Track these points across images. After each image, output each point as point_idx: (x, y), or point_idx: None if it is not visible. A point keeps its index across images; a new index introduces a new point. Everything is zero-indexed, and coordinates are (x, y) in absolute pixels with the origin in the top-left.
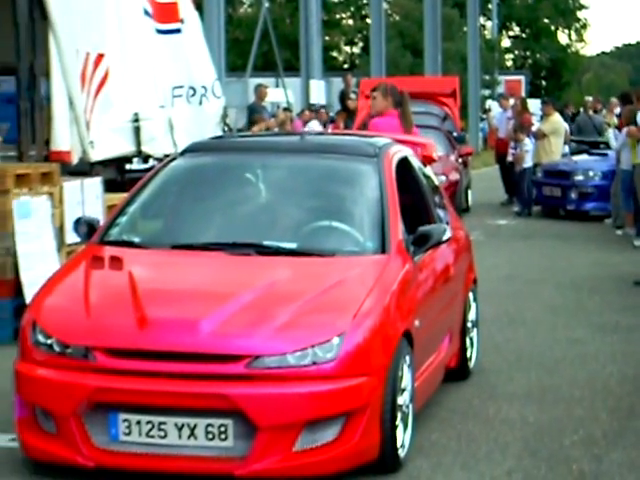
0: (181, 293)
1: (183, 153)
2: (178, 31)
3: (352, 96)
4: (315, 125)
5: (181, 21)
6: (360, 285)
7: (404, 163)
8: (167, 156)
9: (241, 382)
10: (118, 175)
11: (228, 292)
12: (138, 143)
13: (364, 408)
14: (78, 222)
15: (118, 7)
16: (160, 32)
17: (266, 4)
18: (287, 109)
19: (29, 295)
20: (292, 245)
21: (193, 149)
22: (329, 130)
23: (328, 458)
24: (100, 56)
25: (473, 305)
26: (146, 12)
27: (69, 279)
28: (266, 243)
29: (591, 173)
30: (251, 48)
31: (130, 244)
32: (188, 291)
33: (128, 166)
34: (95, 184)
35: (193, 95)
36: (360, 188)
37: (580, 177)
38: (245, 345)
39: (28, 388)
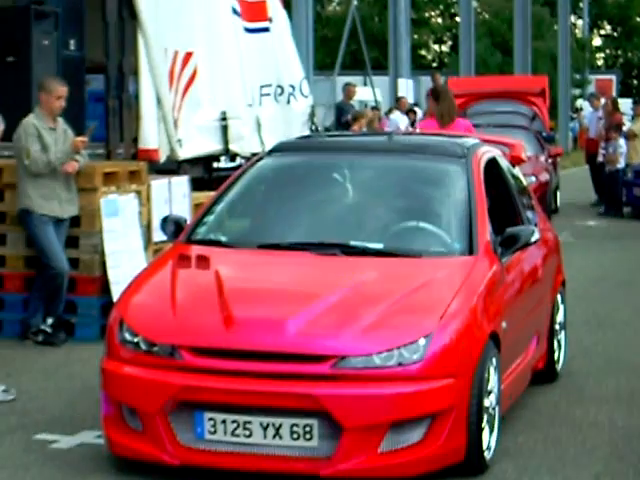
0: (267, 293)
1: (270, 152)
2: (266, 30)
3: None
4: (398, 117)
5: (269, 20)
6: (447, 286)
7: (492, 164)
8: (254, 155)
9: (327, 382)
10: (205, 173)
11: (314, 292)
12: (226, 142)
13: (450, 410)
14: (165, 220)
15: (207, 6)
16: (248, 31)
17: (355, 2)
18: (375, 108)
19: (116, 293)
20: (379, 245)
21: (280, 148)
22: (417, 130)
23: (413, 460)
24: (188, 54)
25: (561, 307)
26: (235, 11)
27: (156, 277)
28: (353, 243)
29: None
30: (339, 46)
31: (217, 243)
32: (274, 291)
33: (215, 164)
34: (182, 182)
35: (281, 94)
36: (448, 189)
37: None
38: (331, 345)
39: (114, 386)
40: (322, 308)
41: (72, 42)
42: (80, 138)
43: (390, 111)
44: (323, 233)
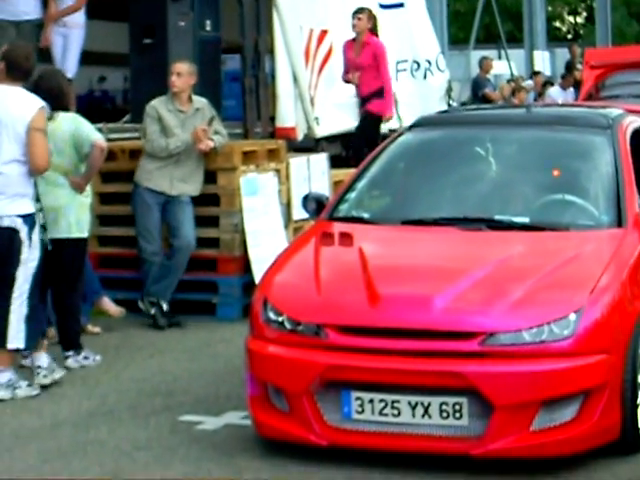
0: (412, 269)
1: (411, 128)
2: (401, 5)
3: (578, 67)
4: (555, 92)
5: None
6: (596, 260)
7: (638, 134)
8: (392, 131)
9: (475, 360)
10: (343, 150)
11: (460, 268)
12: None
13: (603, 386)
14: (306, 198)
15: None
16: (383, 7)
17: None
18: (511, 80)
19: (257, 272)
20: (524, 219)
21: (421, 123)
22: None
23: (566, 438)
24: (324, 32)
25: None
26: None
27: (299, 256)
28: (498, 218)
29: None
30: (472, 20)
31: (359, 220)
32: (419, 267)
33: None
34: (321, 160)
35: (417, 69)
36: (593, 161)
37: None
38: (479, 322)
39: (260, 366)
40: (469, 284)
41: (208, 23)
42: (201, 127)
43: (545, 85)
44: (467, 208)
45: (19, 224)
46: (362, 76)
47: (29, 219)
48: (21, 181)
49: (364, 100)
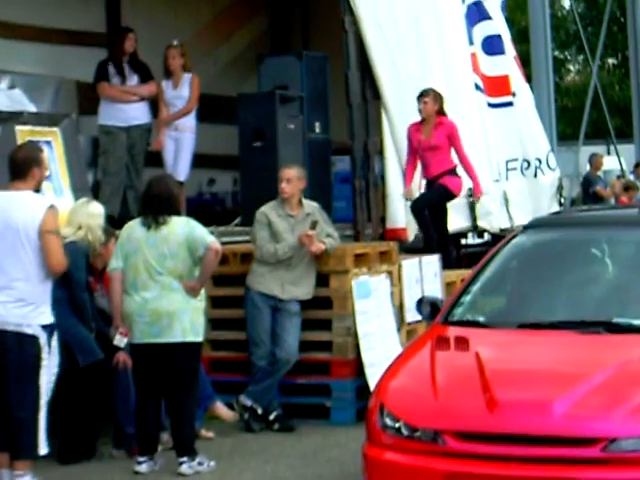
0: (530, 374)
1: (525, 229)
2: (510, 104)
3: None
4: None
5: (513, 94)
6: None
7: None
8: (503, 230)
9: (597, 466)
10: (454, 250)
11: (579, 372)
12: (474, 218)
13: None
14: (421, 302)
15: (450, 84)
16: (492, 106)
17: (595, 71)
18: (621, 177)
19: (370, 376)
20: None
21: (535, 225)
22: None
23: None
24: None
25: None
26: (477, 87)
27: (414, 360)
28: (617, 321)
29: None
30: (580, 116)
31: (475, 324)
32: (537, 372)
33: (463, 241)
34: (433, 261)
35: (527, 168)
36: None
37: None
38: (600, 427)
39: (378, 473)
40: (588, 388)
41: (317, 125)
42: (306, 232)
43: None
44: (585, 311)
45: (39, 331)
46: (433, 157)
47: (49, 326)
48: (40, 288)
49: (433, 179)
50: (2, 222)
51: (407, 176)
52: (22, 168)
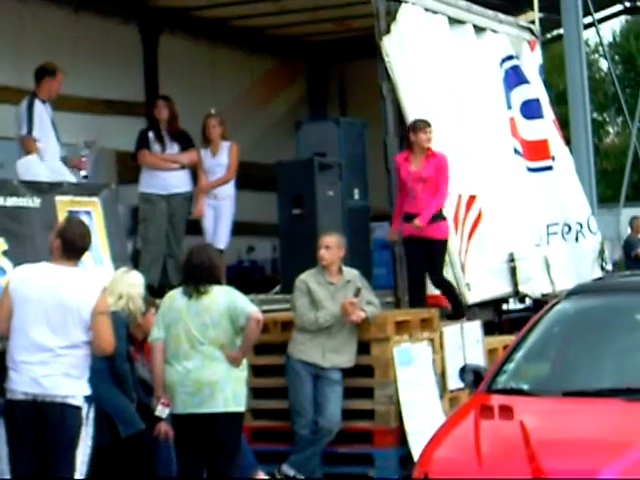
0: (576, 442)
1: (568, 295)
2: (550, 168)
3: None
4: None
5: (552, 158)
6: None
7: None
8: (544, 295)
9: None
10: (495, 316)
11: (626, 441)
12: (515, 283)
13: None
14: (464, 370)
15: (489, 149)
16: (531, 170)
17: (634, 132)
18: None
19: (413, 444)
20: None
21: (578, 291)
22: None
23: None
24: (472, 197)
25: None
26: (516, 151)
27: (458, 429)
28: None
29: None
30: (620, 178)
31: (519, 392)
32: (584, 440)
33: (504, 306)
34: (475, 328)
35: (569, 232)
36: None
37: None
38: None
39: None
40: (636, 457)
41: (356, 191)
42: (350, 300)
43: None
44: (630, 378)
45: (82, 402)
46: (422, 190)
47: (89, 398)
48: (84, 363)
49: (412, 216)
50: (55, 299)
51: (395, 214)
52: (79, 248)
